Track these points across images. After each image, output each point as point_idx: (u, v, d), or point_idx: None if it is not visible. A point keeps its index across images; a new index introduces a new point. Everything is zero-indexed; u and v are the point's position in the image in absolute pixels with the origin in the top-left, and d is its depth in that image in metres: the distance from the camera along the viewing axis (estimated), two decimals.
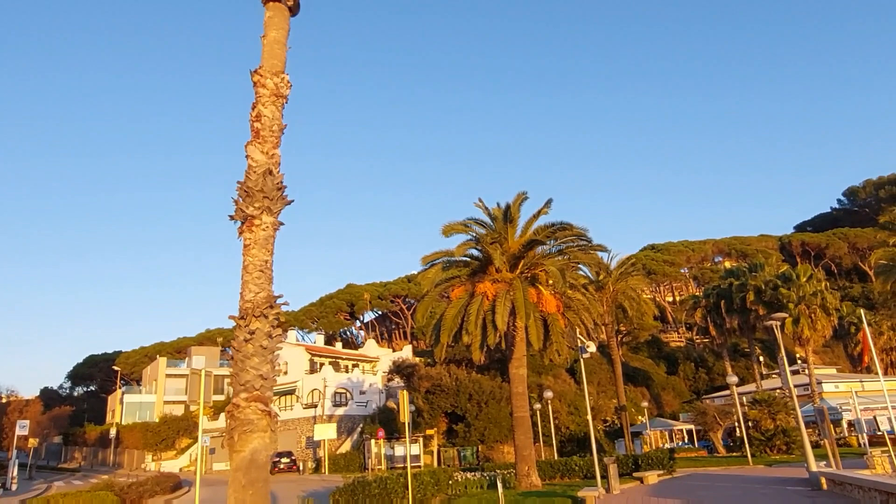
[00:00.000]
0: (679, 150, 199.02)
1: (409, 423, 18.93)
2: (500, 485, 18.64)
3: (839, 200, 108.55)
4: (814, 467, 18.18)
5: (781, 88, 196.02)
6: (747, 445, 31.06)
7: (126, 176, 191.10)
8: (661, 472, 25.43)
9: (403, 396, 19.09)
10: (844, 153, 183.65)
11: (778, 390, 44.78)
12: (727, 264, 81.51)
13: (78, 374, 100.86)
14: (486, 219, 24.84)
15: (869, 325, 61.71)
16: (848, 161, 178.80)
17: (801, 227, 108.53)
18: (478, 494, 20.84)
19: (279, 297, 7.40)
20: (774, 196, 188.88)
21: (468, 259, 25.08)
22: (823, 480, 17.72)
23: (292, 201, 7.97)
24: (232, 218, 7.72)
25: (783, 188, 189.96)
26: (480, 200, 24.60)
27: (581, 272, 29.75)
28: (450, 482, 22.34)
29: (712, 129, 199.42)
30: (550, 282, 23.18)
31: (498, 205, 24.73)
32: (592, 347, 20.55)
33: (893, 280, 41.76)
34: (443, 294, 26.26)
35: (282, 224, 7.84)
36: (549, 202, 23.93)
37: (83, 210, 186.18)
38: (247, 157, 7.94)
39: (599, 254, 26.69)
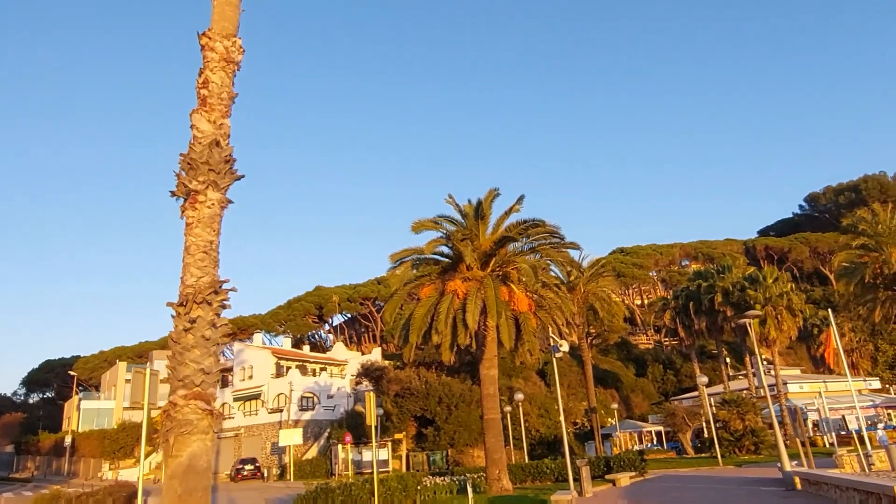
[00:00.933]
0: (647, 157, 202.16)
1: (375, 427, 18.13)
2: (469, 489, 17.97)
3: (801, 206, 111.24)
4: (788, 467, 17.96)
5: (744, 97, 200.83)
6: (717, 446, 30.99)
7: (81, 165, 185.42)
8: (633, 474, 25.13)
9: (370, 398, 18.28)
10: (806, 160, 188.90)
11: (745, 391, 45.16)
12: (694, 267, 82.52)
13: (33, 380, 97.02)
14: (457, 216, 24.23)
15: (830, 326, 63.02)
16: (809, 168, 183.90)
17: (764, 232, 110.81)
18: (447, 500, 20.14)
19: (225, 281, 6.60)
20: (739, 202, 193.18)
21: (438, 257, 24.42)
22: (798, 480, 17.48)
23: (242, 176, 7.16)
24: (173, 194, 6.89)
25: (747, 194, 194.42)
26: (451, 197, 24.00)
27: (552, 273, 29.33)
28: (418, 487, 21.56)
29: (677, 136, 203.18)
30: (523, 280, 22.64)
31: (469, 201, 24.15)
32: (565, 346, 20.06)
33: (855, 282, 42.42)
34: (412, 294, 25.55)
35: (230, 202, 7.03)
36: (521, 199, 23.45)
37: (37, 206, 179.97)
38: (192, 126, 7.13)
39: (571, 253, 26.29)
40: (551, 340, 20.12)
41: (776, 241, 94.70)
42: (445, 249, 24.05)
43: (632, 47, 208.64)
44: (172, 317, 6.37)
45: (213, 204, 6.79)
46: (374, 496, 16.74)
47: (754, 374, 47.69)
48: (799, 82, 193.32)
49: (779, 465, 20.31)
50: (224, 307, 6.61)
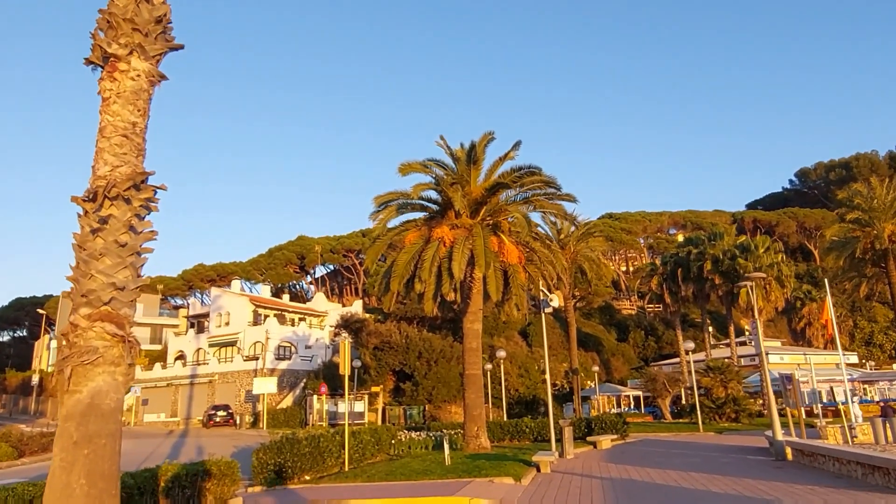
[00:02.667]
0: (638, 125, 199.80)
1: (350, 377, 16.96)
2: (446, 446, 17.00)
3: (790, 181, 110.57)
4: (780, 436, 17.12)
5: (741, 71, 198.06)
6: (699, 412, 30.49)
7: (50, 86, 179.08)
8: (615, 436, 24.44)
9: (345, 346, 17.06)
10: (798, 135, 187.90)
11: (727, 359, 44.88)
12: (680, 237, 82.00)
13: (3, 318, 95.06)
14: (448, 160, 22.62)
15: (813, 300, 63.03)
16: (801, 143, 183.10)
17: (752, 206, 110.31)
18: (422, 455, 19.19)
19: (150, 174, 5.09)
20: (730, 174, 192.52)
21: (425, 202, 22.90)
22: (789, 450, 16.71)
23: (181, 46, 5.59)
24: (88, 61, 5.31)
25: (738, 167, 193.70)
26: (442, 138, 22.32)
27: (541, 230, 27.99)
28: (392, 442, 20.63)
29: (670, 106, 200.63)
30: (514, 231, 21.29)
31: (462, 145, 22.50)
32: (556, 301, 18.92)
33: (845, 256, 41.86)
34: (395, 245, 24.13)
35: (164, 77, 5.48)
36: (517, 144, 21.87)
37: (6, 131, 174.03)
38: None
39: (565, 206, 24.82)
40: (540, 294, 18.94)
41: (764, 215, 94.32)
42: (434, 195, 22.52)
43: (619, 16, 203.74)
44: (79, 215, 4.90)
45: (138, 75, 5.23)
46: (344, 449, 15.66)
47: (738, 344, 47.40)
48: (797, 59, 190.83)
49: (767, 433, 19.55)
50: (150, 208, 5.13)
